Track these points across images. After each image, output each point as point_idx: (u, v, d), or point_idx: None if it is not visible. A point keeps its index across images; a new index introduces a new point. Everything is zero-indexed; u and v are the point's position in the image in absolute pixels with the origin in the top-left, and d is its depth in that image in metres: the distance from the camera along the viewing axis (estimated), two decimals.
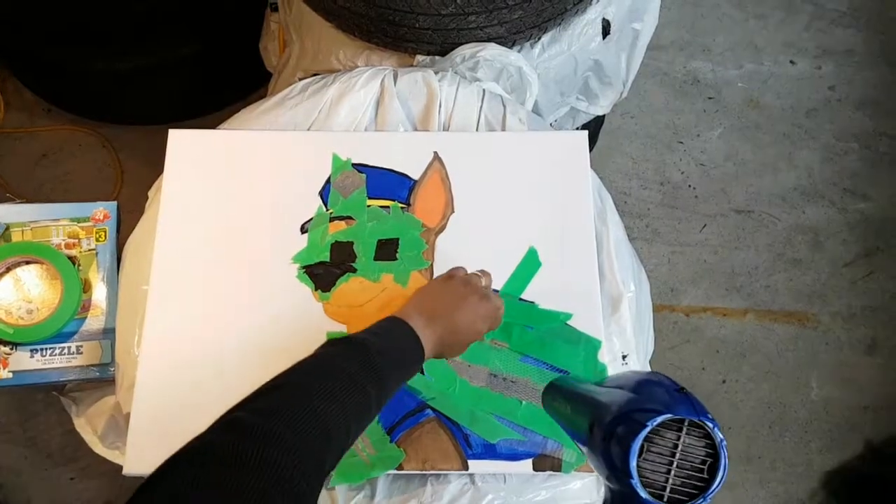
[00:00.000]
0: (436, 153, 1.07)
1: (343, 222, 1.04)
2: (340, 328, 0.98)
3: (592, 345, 0.98)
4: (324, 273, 1.01)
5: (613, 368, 0.99)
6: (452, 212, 1.05)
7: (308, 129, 1.11)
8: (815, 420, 1.78)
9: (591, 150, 1.12)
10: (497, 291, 1.00)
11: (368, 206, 1.05)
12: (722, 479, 0.59)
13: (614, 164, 1.98)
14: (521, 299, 1.00)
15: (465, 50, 1.15)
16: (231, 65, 1.82)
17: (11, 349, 1.04)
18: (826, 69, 2.12)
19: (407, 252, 1.02)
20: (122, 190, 1.89)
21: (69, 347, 1.06)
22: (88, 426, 1.05)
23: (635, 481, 0.59)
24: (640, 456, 0.60)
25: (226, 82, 1.87)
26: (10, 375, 1.04)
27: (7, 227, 1.08)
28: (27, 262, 1.07)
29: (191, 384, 0.96)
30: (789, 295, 1.88)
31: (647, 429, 0.59)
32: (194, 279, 1.01)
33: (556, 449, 0.93)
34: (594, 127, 1.74)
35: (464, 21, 1.12)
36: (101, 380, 1.06)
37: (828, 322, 1.86)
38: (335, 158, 1.07)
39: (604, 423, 0.64)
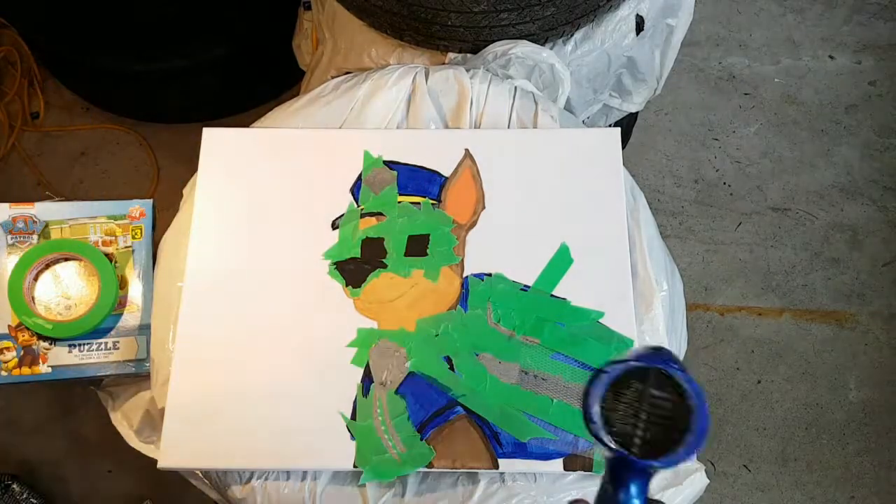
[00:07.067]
0: (467, 150, 1.07)
1: (374, 218, 1.04)
2: (371, 324, 0.99)
3: (624, 343, 0.97)
4: (354, 269, 1.02)
5: None
6: (483, 208, 1.04)
7: (340, 127, 1.12)
8: (852, 422, 1.74)
9: (624, 147, 1.11)
10: (531, 287, 1.00)
11: (399, 202, 1.05)
12: (699, 432, 0.58)
13: (648, 162, 1.96)
14: (552, 296, 0.99)
15: (497, 47, 1.15)
16: (264, 63, 1.83)
17: (50, 344, 1.06)
18: (866, 64, 2.07)
19: (438, 248, 1.02)
20: (157, 188, 1.92)
21: (106, 343, 1.08)
22: (125, 420, 1.07)
23: (596, 425, 0.59)
24: (605, 406, 0.60)
25: (259, 81, 1.89)
26: (50, 370, 1.06)
27: (46, 225, 1.11)
28: (66, 259, 1.09)
29: (224, 379, 0.97)
30: (827, 294, 1.84)
31: (607, 374, 0.60)
32: (227, 276, 1.02)
33: (588, 448, 0.93)
34: (627, 124, 1.72)
35: (496, 18, 1.12)
36: (137, 375, 1.08)
37: (867, 322, 1.82)
38: (366, 155, 1.08)
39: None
